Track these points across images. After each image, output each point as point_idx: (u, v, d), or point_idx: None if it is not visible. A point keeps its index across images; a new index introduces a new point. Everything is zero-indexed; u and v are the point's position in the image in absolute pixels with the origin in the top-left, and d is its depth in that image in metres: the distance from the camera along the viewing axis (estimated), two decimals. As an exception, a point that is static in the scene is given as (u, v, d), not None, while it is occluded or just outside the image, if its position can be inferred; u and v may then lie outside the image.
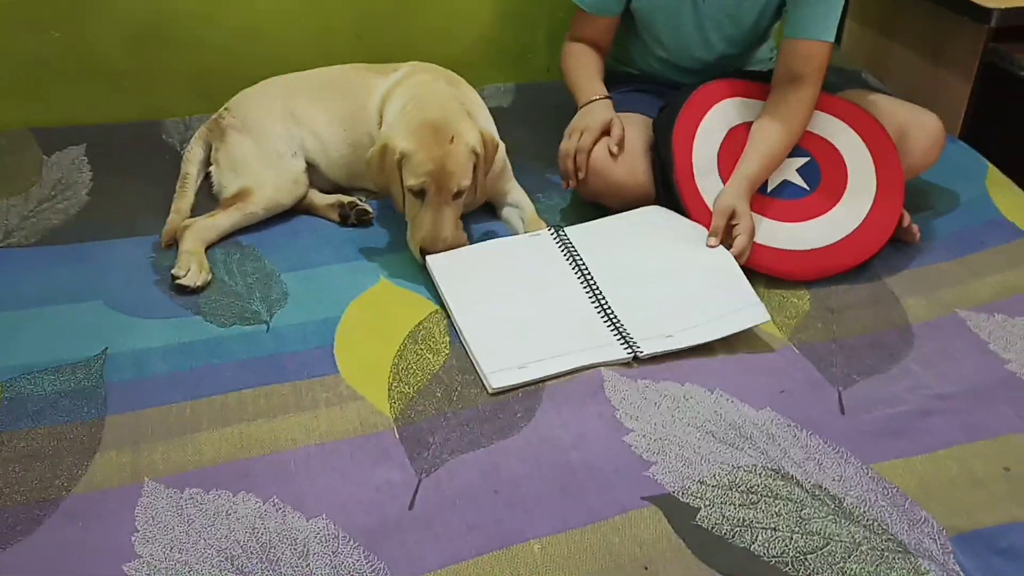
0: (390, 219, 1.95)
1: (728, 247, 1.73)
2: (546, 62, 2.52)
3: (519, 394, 1.50)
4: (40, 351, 1.54)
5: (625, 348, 1.56)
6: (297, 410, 1.45)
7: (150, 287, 1.71)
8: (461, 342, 1.60)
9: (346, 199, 1.95)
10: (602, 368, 1.55)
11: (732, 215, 1.74)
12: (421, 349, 1.59)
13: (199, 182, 1.97)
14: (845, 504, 1.32)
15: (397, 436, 1.41)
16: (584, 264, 1.72)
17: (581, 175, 1.87)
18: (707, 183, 1.84)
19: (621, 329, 1.60)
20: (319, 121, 1.97)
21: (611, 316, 1.63)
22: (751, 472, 1.36)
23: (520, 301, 1.67)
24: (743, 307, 1.64)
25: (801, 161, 1.88)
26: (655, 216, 1.85)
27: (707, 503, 1.31)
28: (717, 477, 1.35)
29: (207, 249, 1.80)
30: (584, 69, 2.02)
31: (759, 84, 1.99)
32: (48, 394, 1.46)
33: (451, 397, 1.49)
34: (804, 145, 1.89)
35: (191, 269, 1.71)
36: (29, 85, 2.17)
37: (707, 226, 1.77)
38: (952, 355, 1.62)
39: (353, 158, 1.98)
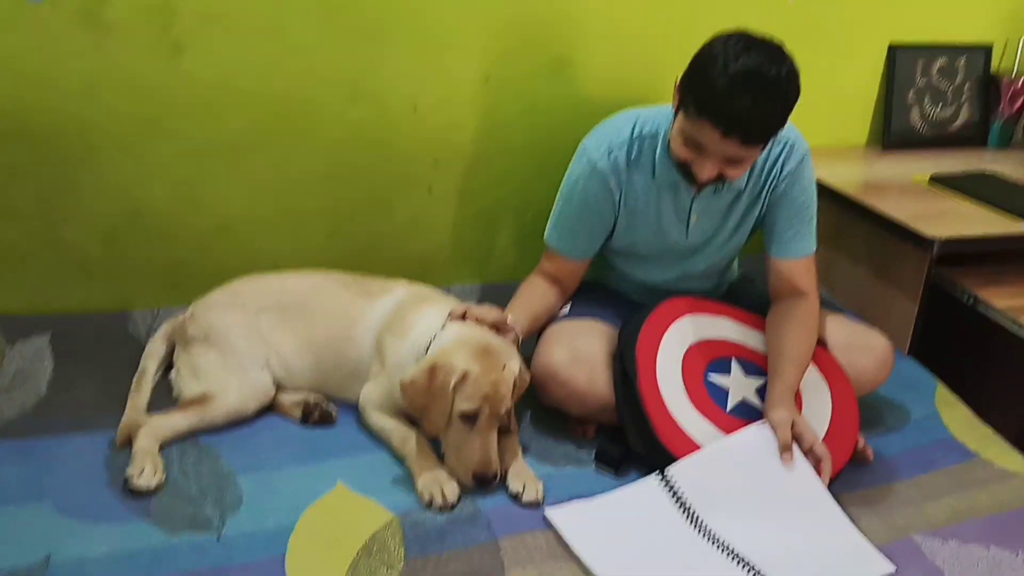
0: (352, 419, 1.95)
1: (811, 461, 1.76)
2: (512, 263, 2.61)
3: (473, 618, 1.47)
4: (-21, 559, 1.49)
5: None
6: (243, 629, 1.40)
7: (101, 488, 1.68)
8: None
9: (311, 398, 1.96)
10: (557, 588, 1.53)
11: (793, 425, 1.77)
12: (375, 564, 1.56)
13: (157, 378, 1.96)
14: None
15: (345, 662, 1.36)
16: (698, 516, 1.71)
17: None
18: (671, 395, 1.87)
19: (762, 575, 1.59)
20: (286, 346, 1.98)
21: (747, 564, 1.61)
22: None
23: (655, 555, 1.64)
24: (864, 560, 1.65)
25: (760, 381, 1.92)
26: (752, 450, 1.79)
27: None
28: None
29: (163, 447, 1.78)
30: (524, 296, 2.04)
31: (718, 303, 2.07)
32: (-17, 606, 1.40)
33: (403, 619, 1.45)
34: (764, 365, 1.94)
35: (145, 470, 1.68)
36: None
37: (676, 444, 1.80)
38: (909, 583, 1.62)
39: (323, 379, 2.00)
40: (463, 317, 1.87)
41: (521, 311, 1.98)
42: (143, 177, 2.22)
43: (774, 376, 1.87)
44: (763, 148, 1.80)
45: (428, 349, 1.84)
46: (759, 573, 1.59)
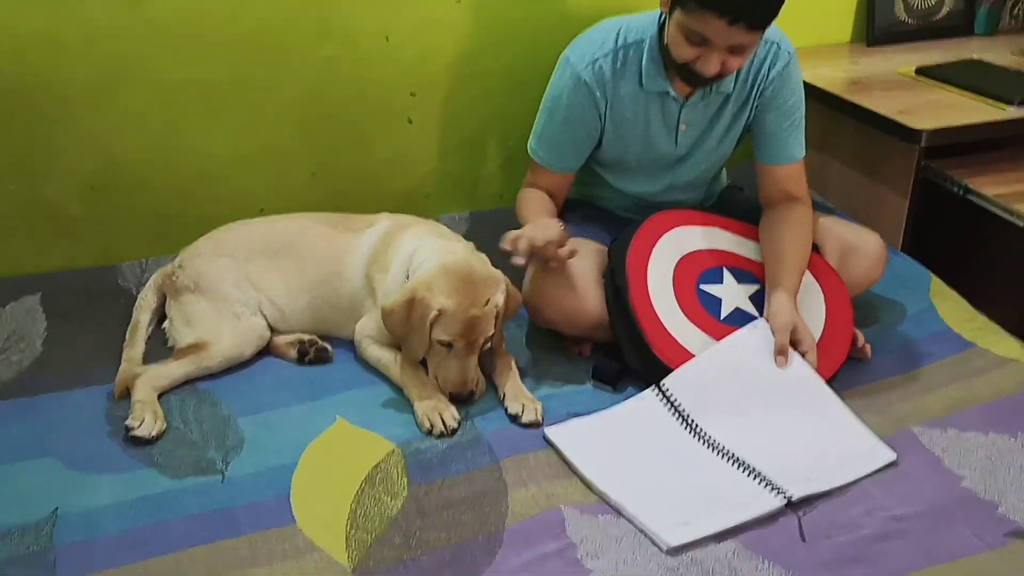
0: (348, 355, 1.96)
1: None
2: (499, 189, 2.58)
3: (479, 536, 1.49)
4: (-12, 516, 1.51)
5: (776, 495, 1.56)
6: (252, 565, 1.42)
7: (103, 440, 1.69)
8: (612, 507, 1.56)
9: (305, 337, 1.96)
10: (563, 505, 1.55)
11: (794, 330, 1.78)
12: (379, 493, 1.57)
13: (150, 330, 1.96)
14: (810, 640, 1.30)
15: (355, 588, 1.39)
16: (696, 424, 1.72)
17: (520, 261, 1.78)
18: (664, 307, 1.87)
19: (763, 477, 1.60)
20: (278, 290, 1.98)
21: (747, 467, 1.63)
22: (714, 610, 1.35)
23: (654, 465, 1.66)
24: (867, 450, 1.66)
25: (753, 288, 1.92)
26: (746, 353, 1.80)
27: (670, 647, 1.29)
28: (680, 618, 1.33)
29: (161, 396, 1.79)
30: (535, 206, 2.00)
31: (707, 213, 2.05)
32: (-5, 563, 1.42)
33: (410, 543, 1.47)
34: (756, 273, 1.94)
35: (145, 419, 1.69)
36: (-19, 237, 2.19)
37: (669, 353, 1.81)
38: (908, 474, 1.63)
39: (318, 318, 2.00)
40: (528, 251, 1.77)
41: (547, 215, 1.94)
42: (117, 129, 2.19)
43: (773, 283, 1.86)
44: (763, 34, 1.77)
45: (409, 275, 1.83)
46: (760, 475, 1.60)
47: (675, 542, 1.46)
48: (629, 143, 2.00)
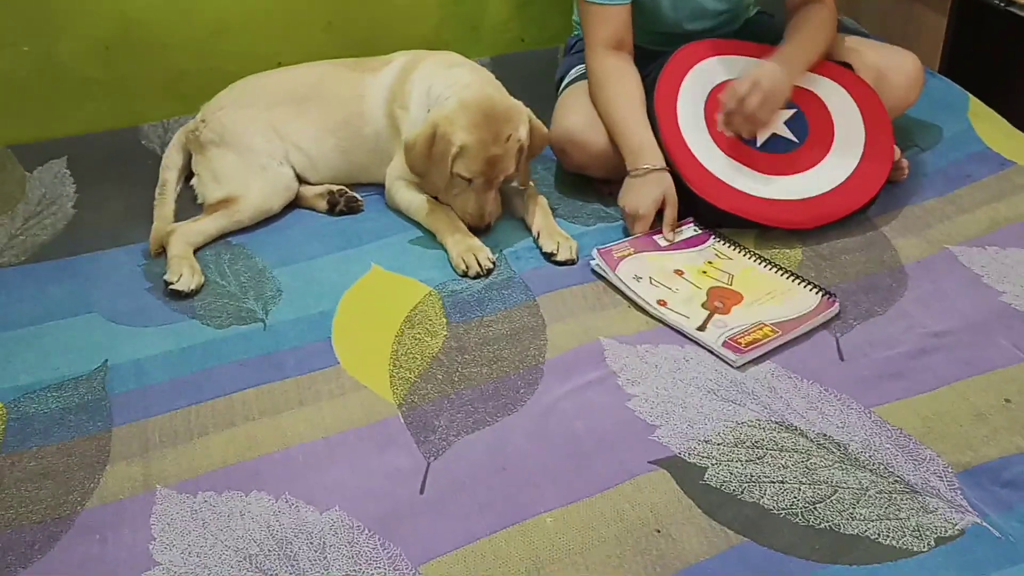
0: (379, 205, 1.95)
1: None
2: (519, 32, 2.50)
3: (520, 369, 1.51)
4: (41, 369, 1.54)
5: (829, 299, 1.61)
6: (301, 405, 1.46)
7: (144, 295, 1.72)
8: (674, 331, 1.58)
9: (335, 187, 1.95)
10: (601, 336, 1.56)
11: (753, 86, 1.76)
12: (419, 333, 1.59)
13: (179, 188, 1.96)
14: (850, 450, 1.33)
15: (403, 422, 1.42)
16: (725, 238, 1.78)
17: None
18: (696, 139, 1.83)
19: (809, 281, 1.65)
20: (305, 136, 1.95)
21: (793, 272, 1.68)
22: (755, 427, 1.37)
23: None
24: None
25: (789, 113, 1.87)
26: None
27: (714, 461, 1.32)
28: (722, 435, 1.36)
29: (196, 251, 1.80)
30: (630, 109, 1.84)
31: (738, 42, 1.98)
32: (53, 411, 1.46)
33: (452, 378, 1.50)
34: (791, 98, 1.88)
35: (183, 274, 1.71)
36: (3, 102, 2.15)
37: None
38: (946, 292, 1.63)
39: (347, 162, 1.98)
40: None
41: (649, 135, 1.82)
42: (129, -14, 2.13)
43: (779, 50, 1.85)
44: None
45: (429, 110, 1.81)
46: (806, 280, 1.65)
47: (742, 360, 1.49)
48: None
